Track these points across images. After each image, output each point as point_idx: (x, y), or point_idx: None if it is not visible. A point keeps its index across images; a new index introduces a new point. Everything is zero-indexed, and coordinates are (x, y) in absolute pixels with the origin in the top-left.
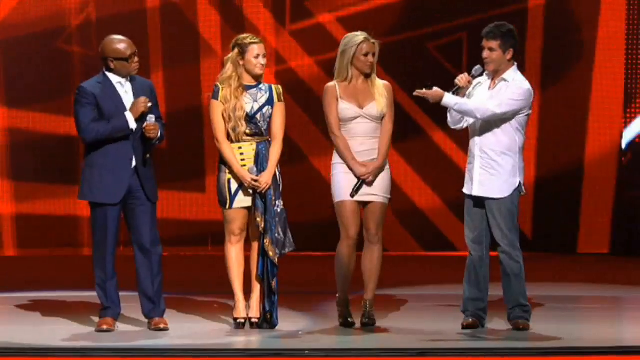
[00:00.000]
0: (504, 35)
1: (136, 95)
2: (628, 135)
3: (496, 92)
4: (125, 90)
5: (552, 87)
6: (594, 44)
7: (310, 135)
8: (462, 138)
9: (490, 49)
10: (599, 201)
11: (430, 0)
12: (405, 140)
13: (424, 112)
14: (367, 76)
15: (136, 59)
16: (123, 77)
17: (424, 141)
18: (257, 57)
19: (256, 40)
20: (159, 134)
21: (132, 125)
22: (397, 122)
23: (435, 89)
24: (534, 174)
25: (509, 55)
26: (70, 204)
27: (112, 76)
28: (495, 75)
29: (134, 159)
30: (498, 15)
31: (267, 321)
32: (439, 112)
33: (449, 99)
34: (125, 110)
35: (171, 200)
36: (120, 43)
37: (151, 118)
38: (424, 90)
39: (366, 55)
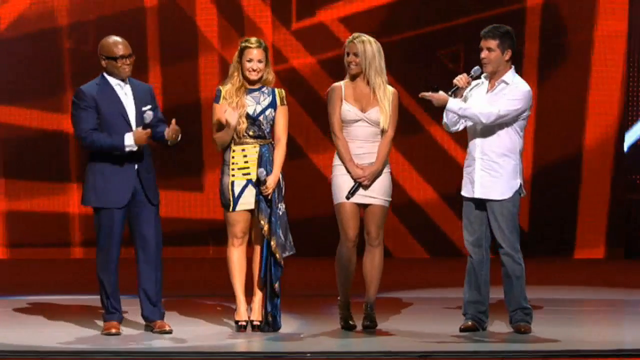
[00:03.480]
0: (503, 36)
1: (136, 98)
2: (630, 137)
3: (495, 94)
4: (124, 92)
5: (549, 82)
6: (591, 44)
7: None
8: (462, 137)
9: (489, 49)
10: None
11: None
12: (407, 136)
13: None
14: (354, 78)
15: (128, 61)
16: (118, 78)
17: (425, 138)
18: (249, 61)
19: (252, 45)
20: (179, 137)
21: (130, 148)
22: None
23: (440, 92)
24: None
25: (507, 56)
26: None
27: (110, 78)
28: (493, 76)
29: (136, 165)
30: (496, 15)
31: (268, 323)
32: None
33: (453, 103)
34: (127, 114)
35: (169, 198)
36: (113, 42)
37: (149, 115)
38: (430, 93)
39: (347, 54)
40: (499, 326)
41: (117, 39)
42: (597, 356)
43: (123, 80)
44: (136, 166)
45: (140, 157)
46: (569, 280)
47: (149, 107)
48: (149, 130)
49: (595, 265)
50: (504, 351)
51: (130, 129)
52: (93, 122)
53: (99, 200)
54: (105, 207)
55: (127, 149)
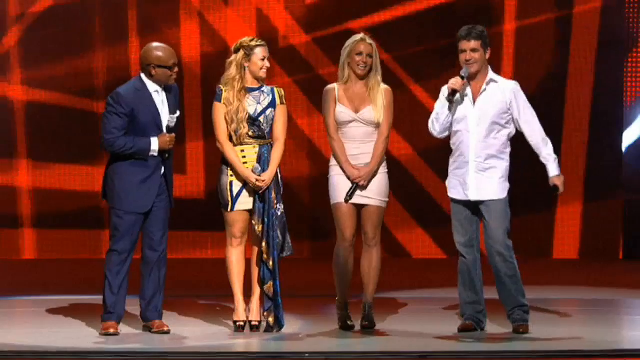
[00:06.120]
0: (482, 35)
1: (170, 106)
2: (629, 138)
3: (490, 96)
4: (161, 100)
5: None
6: None
7: None
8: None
9: (474, 50)
10: None
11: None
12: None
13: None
14: (363, 78)
15: (176, 69)
16: (160, 85)
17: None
18: (262, 59)
19: (261, 43)
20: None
21: (154, 153)
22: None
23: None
24: None
25: (487, 55)
26: None
27: (149, 84)
28: (474, 77)
29: (163, 168)
30: None
31: (269, 323)
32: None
33: (556, 170)
34: (161, 123)
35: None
36: (164, 50)
37: (172, 119)
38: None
39: (360, 54)
40: (497, 326)
41: (164, 46)
42: (597, 356)
43: (161, 86)
44: (163, 169)
45: (167, 160)
46: (569, 281)
47: (177, 114)
48: (173, 134)
49: (595, 266)
50: (502, 351)
51: None
52: (123, 127)
53: (124, 204)
54: (130, 212)
55: (150, 154)
